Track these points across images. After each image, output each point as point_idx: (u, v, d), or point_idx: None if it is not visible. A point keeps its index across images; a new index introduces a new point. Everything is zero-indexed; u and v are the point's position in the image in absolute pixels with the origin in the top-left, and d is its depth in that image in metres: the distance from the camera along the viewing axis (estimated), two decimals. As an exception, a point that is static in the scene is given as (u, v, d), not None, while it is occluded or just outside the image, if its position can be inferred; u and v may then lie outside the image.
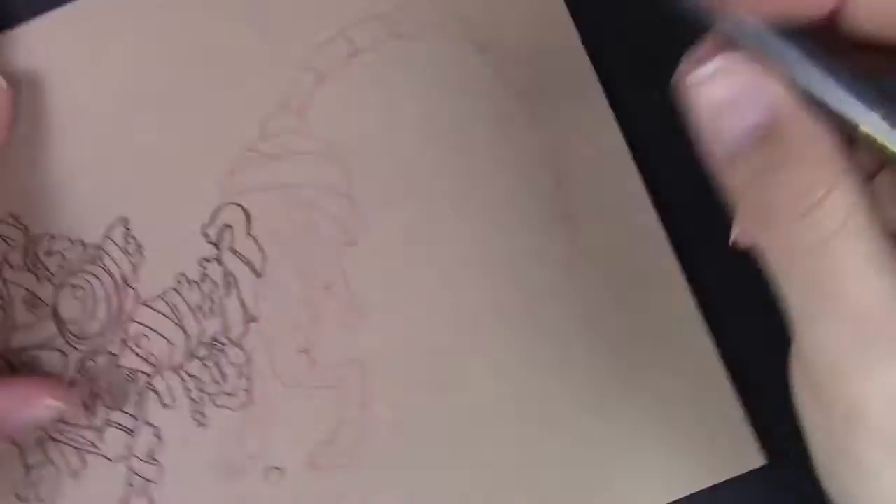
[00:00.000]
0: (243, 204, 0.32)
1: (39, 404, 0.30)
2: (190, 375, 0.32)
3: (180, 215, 0.32)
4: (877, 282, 0.19)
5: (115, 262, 0.32)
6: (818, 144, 0.20)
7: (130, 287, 0.32)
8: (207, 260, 0.32)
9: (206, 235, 0.32)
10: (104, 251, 0.32)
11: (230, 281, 0.32)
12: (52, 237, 0.32)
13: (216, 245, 0.32)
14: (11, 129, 0.32)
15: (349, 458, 0.31)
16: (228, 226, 0.32)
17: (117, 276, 0.32)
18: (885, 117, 0.19)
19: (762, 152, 0.20)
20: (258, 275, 0.32)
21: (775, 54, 0.20)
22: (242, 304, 0.32)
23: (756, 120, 0.20)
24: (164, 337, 0.32)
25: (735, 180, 0.21)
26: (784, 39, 0.20)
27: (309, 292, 0.32)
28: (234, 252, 0.32)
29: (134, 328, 0.32)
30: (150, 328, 0.32)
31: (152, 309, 0.32)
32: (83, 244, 0.32)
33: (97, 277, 0.32)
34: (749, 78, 0.20)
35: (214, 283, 0.32)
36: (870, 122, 0.19)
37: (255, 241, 0.32)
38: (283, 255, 0.32)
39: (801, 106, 0.20)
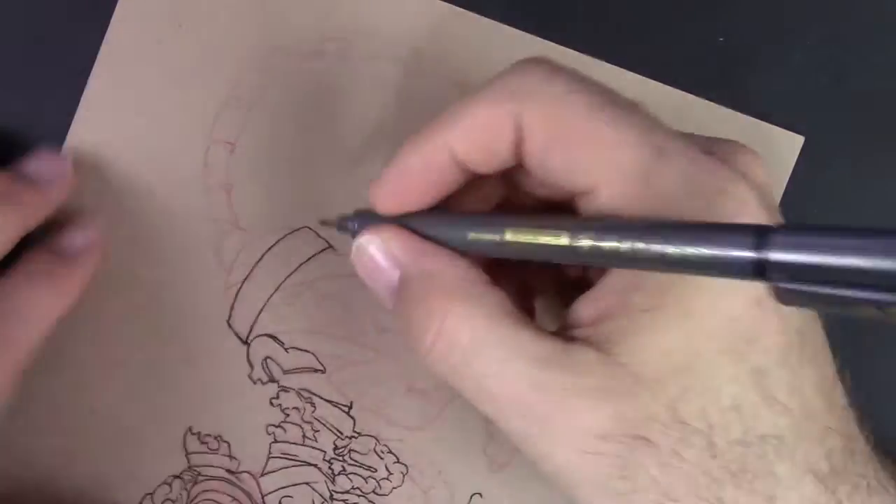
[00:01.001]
0: (265, 332, 0.32)
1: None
2: (343, 493, 0.32)
3: (226, 386, 0.32)
4: (518, 374, 0.23)
5: (211, 466, 0.32)
6: (433, 287, 0.24)
7: (240, 474, 0.32)
8: (276, 397, 0.32)
9: (258, 381, 0.32)
10: (196, 468, 0.32)
11: (306, 395, 0.32)
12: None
13: (271, 380, 0.32)
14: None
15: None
16: (268, 358, 0.32)
17: (223, 474, 0.32)
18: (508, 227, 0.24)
19: (396, 306, 0.25)
20: (322, 370, 0.32)
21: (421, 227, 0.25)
22: (332, 403, 0.32)
23: (388, 282, 0.25)
24: (299, 485, 0.32)
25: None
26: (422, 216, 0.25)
27: (373, 339, 0.32)
28: (289, 371, 0.32)
29: (270, 500, 0.32)
30: (283, 489, 0.32)
31: (272, 473, 0.32)
32: (176, 477, 0.32)
33: (211, 490, 0.32)
34: (377, 255, 0.25)
35: (297, 408, 0.32)
36: (510, 229, 0.24)
37: (297, 348, 0.32)
38: (325, 339, 0.32)
39: (428, 263, 0.24)
